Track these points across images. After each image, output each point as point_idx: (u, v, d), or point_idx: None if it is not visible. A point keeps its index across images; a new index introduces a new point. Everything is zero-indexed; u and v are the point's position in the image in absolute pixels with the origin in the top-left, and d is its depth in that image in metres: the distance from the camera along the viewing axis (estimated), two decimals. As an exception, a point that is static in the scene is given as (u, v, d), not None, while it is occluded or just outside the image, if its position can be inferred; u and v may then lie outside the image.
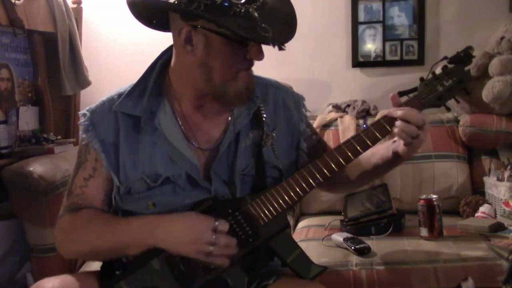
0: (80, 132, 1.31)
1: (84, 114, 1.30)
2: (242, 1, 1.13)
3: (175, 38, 1.23)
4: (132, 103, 1.26)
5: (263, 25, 1.12)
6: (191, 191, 1.25)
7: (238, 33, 1.11)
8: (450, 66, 1.36)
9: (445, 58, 1.38)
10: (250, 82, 1.23)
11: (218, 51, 1.17)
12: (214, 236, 1.15)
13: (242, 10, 1.12)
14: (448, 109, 1.43)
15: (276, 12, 1.19)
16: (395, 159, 1.30)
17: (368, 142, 1.25)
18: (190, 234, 1.16)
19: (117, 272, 1.26)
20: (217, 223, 1.17)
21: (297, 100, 1.40)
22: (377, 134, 1.25)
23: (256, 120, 1.30)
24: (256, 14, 1.13)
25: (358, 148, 1.25)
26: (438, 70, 1.38)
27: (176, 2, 1.13)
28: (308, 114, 1.44)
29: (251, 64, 1.23)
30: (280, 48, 1.14)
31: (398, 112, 1.23)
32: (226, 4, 1.12)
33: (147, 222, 1.21)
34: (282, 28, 1.18)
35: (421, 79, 1.37)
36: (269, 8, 1.17)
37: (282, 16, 1.20)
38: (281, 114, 1.36)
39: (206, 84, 1.21)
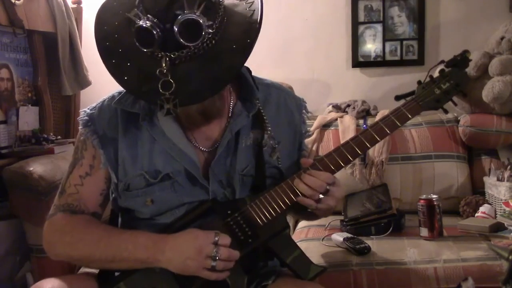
0: (79, 127, 1.30)
1: (84, 111, 1.30)
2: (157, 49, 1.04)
3: None
4: (131, 100, 1.25)
5: (169, 79, 1.04)
6: (190, 189, 1.25)
7: (123, 87, 1.11)
8: (447, 69, 1.37)
9: (442, 62, 1.39)
10: (206, 108, 1.18)
11: None
12: (215, 250, 1.13)
13: (158, 55, 1.06)
14: (446, 112, 1.45)
15: (211, 63, 1.07)
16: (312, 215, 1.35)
17: (367, 143, 1.29)
18: (192, 247, 1.13)
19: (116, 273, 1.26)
20: (217, 238, 1.14)
21: (299, 103, 1.41)
22: (376, 136, 1.30)
23: (257, 120, 1.30)
24: (164, 63, 1.04)
25: (357, 149, 1.28)
26: (435, 74, 1.39)
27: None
28: (308, 115, 1.44)
29: None
30: (168, 113, 1.05)
31: (300, 186, 1.23)
32: (137, 44, 1.05)
33: (153, 242, 1.17)
34: (198, 86, 1.07)
35: (419, 82, 1.38)
36: (205, 56, 1.06)
37: (215, 71, 1.07)
38: (282, 115, 1.36)
39: None
